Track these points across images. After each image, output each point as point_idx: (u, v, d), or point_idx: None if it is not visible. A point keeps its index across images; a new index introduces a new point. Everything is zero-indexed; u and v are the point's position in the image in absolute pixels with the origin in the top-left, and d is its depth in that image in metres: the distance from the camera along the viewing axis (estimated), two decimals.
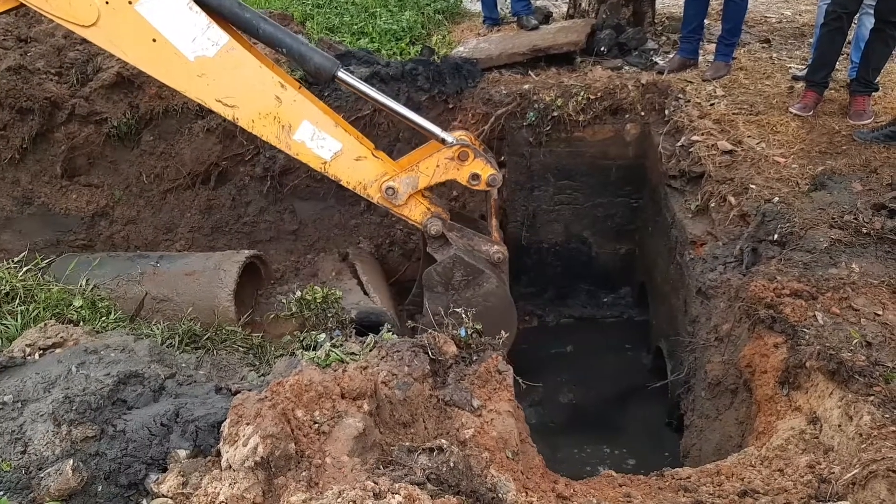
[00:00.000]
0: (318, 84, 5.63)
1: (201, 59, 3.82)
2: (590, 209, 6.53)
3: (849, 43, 6.01)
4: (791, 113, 5.44)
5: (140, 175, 6.34)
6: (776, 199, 4.52)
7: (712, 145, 5.20)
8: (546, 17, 7.41)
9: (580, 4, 7.45)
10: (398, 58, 6.89)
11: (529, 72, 6.44)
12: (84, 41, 6.46)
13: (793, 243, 4.18)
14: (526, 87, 6.14)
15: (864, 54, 5.17)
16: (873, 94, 5.38)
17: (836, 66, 5.55)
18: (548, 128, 6.05)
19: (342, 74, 4.16)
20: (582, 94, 5.95)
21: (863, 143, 4.96)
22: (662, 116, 5.88)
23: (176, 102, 6.11)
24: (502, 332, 3.54)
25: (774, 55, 6.72)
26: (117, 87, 6.07)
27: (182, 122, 6.23)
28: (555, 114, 5.98)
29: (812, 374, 3.20)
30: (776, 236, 4.29)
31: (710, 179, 5.00)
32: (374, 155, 4.27)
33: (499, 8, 7.70)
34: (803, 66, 6.17)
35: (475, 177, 4.36)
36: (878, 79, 5.45)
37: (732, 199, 4.75)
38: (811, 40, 6.73)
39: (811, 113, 5.37)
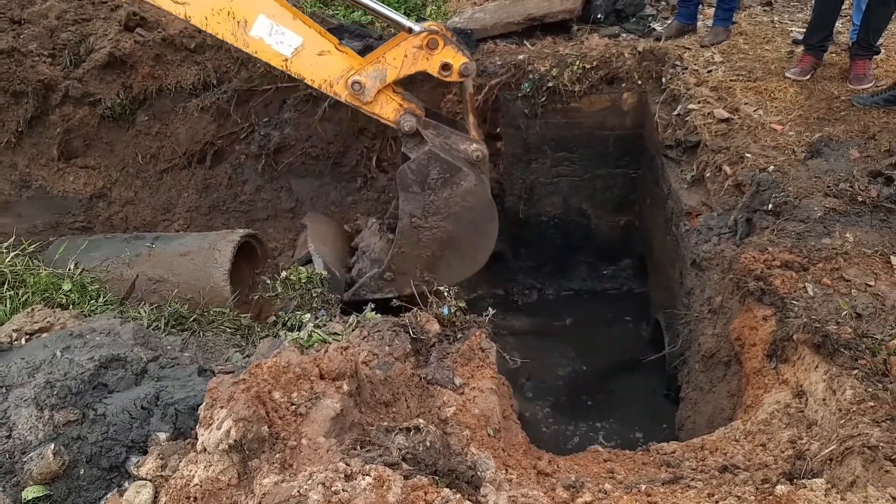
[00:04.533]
0: None
1: None
2: (588, 181, 6.44)
3: (851, 5, 5.85)
4: (788, 78, 5.31)
5: (136, 156, 6.34)
6: (771, 167, 4.43)
7: (708, 113, 5.10)
8: None
9: None
10: (392, 31, 6.78)
11: (525, 41, 6.33)
12: (76, 21, 6.47)
13: (787, 213, 4.10)
14: (521, 57, 6.02)
15: (865, 16, 5.02)
16: (874, 57, 5.23)
17: (839, 29, 5.40)
18: (543, 99, 5.94)
19: None
20: (577, 63, 5.83)
21: (862, 109, 4.83)
22: (659, 85, 5.75)
23: (169, 82, 6.09)
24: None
25: (776, 18, 6.56)
26: (110, 67, 6.03)
27: (176, 102, 6.20)
28: (550, 84, 5.85)
29: (799, 347, 3.17)
30: (770, 206, 4.20)
31: (706, 149, 4.90)
32: (337, 49, 4.06)
33: None
34: (805, 30, 6.02)
35: (446, 67, 4.15)
36: (881, 41, 5.30)
37: (728, 169, 4.66)
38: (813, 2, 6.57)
39: (808, 77, 5.24)
